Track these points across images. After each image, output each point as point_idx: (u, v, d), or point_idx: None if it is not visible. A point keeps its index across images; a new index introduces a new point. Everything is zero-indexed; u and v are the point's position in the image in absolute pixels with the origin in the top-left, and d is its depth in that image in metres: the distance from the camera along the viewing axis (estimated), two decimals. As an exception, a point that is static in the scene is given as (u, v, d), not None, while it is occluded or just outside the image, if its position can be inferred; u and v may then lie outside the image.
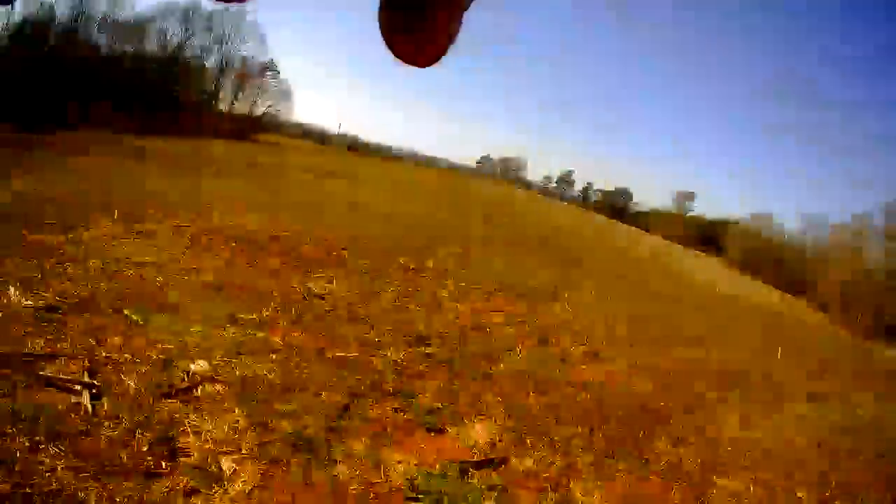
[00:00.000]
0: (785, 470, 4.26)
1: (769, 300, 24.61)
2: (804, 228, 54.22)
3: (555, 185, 66.13)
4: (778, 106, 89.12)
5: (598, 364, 5.49)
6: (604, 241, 22.64)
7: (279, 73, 33.94)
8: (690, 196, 59.99)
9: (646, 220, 58.38)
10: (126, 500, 2.11)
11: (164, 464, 2.37)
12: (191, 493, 2.26)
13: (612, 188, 65.29)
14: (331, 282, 5.77)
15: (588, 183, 66.23)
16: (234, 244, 6.32)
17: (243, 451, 2.60)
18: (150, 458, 2.37)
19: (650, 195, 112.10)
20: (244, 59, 30.84)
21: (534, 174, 67.80)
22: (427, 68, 0.39)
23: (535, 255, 10.99)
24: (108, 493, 2.11)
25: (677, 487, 3.33)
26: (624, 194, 64.26)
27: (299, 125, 46.49)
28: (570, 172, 67.06)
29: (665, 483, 3.38)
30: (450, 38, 0.39)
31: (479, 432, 3.35)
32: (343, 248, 7.47)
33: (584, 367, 5.30)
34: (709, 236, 56.34)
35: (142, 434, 2.50)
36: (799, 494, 3.90)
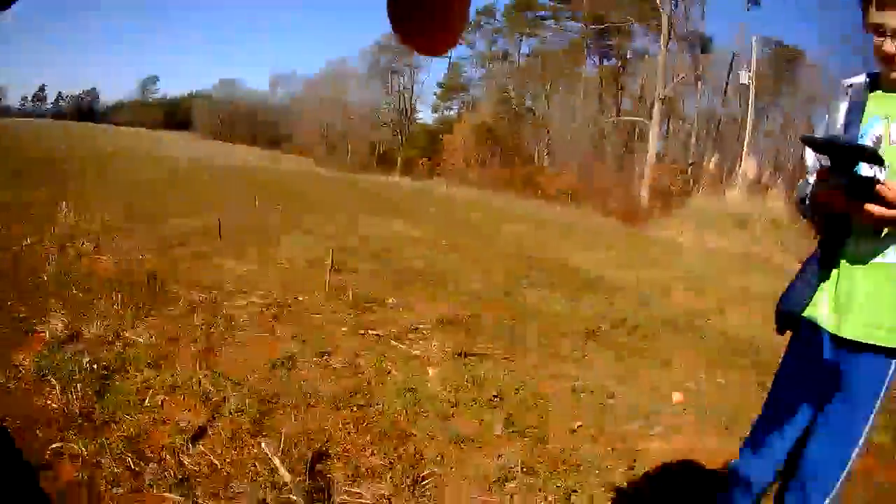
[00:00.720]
0: (294, 281, 6.27)
1: (245, 160, 29.33)
2: (274, 85, 59.19)
3: (31, 104, 58.47)
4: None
5: (107, 250, 6.81)
6: (75, 147, 23.00)
7: None
8: (153, 80, 60.38)
9: (113, 115, 57.04)
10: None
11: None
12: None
13: (78, 91, 60.51)
14: None
15: (59, 92, 60.26)
16: None
17: None
18: None
19: (121, 88, 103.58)
20: None
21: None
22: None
23: (27, 183, 11.34)
24: None
25: (199, 312, 4.98)
26: (90, 94, 59.92)
27: None
28: (43, 87, 59.30)
29: (191, 310, 5.01)
30: (461, 26, 0.48)
31: (56, 322, 4.43)
32: None
33: (97, 257, 6.55)
34: (176, 114, 58.50)
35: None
36: (301, 298, 5.81)
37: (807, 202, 2.12)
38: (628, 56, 47.30)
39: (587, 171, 35.23)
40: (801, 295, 2.13)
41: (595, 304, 7.19)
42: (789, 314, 2.16)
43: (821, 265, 2.09)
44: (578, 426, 3.81)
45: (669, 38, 35.47)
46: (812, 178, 2.14)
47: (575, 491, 2.99)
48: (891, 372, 2.00)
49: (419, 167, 44.48)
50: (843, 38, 34.70)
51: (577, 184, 33.77)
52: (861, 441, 2.03)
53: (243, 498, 2.52)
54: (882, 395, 2.01)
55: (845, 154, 1.82)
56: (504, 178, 36.15)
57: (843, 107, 2.14)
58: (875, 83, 2.11)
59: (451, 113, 56.21)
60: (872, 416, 2.03)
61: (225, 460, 2.78)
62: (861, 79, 2.14)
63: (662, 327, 6.69)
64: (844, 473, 2.04)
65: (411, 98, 56.60)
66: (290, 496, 2.54)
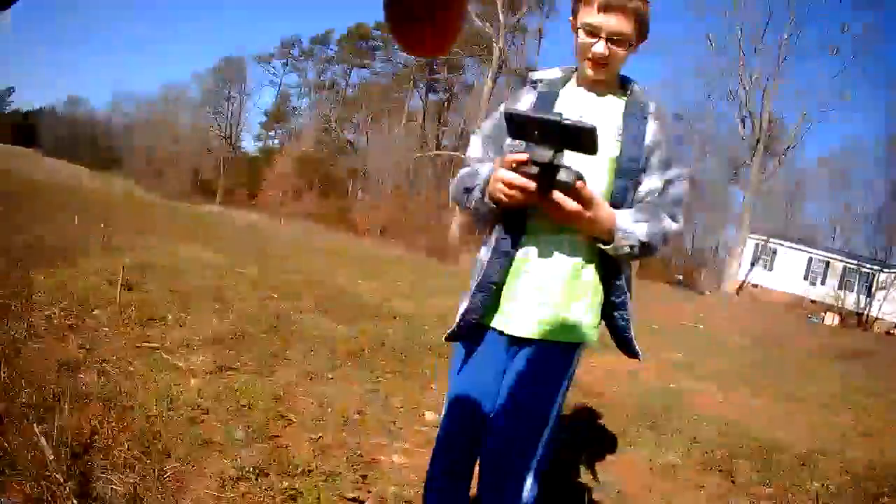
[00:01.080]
0: (93, 296, 6.79)
1: (79, 180, 32.32)
2: (113, 106, 59.10)
3: None
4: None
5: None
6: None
7: None
8: (8, 91, 58.62)
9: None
10: None
11: None
12: None
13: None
14: None
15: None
16: None
17: None
18: None
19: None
20: None
21: None
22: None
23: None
24: None
25: (9, 319, 5.50)
26: (-51, 108, 56.73)
27: None
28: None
29: (2, 317, 5.51)
30: (458, 29, 0.47)
31: None
32: None
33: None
34: (28, 130, 58.19)
35: None
36: (95, 312, 6.43)
37: (477, 193, 2.04)
38: (455, 90, 48.43)
39: (401, 206, 36.11)
40: (475, 300, 2.07)
41: (367, 330, 7.85)
42: (467, 322, 2.10)
43: (491, 264, 2.02)
44: (319, 437, 4.46)
45: (499, 71, 36.49)
46: (483, 168, 2.07)
47: (301, 493, 3.63)
48: (572, 365, 2.05)
49: (238, 197, 44.75)
50: (696, 71, 38.70)
51: (389, 218, 34.55)
52: (546, 433, 2.02)
53: (22, 474, 3.19)
54: (563, 387, 2.05)
55: (564, 136, 1.61)
56: (319, 210, 36.51)
57: (529, 99, 2.11)
58: (568, 79, 2.14)
59: (275, 143, 56.21)
60: (555, 408, 2.05)
61: (13, 445, 3.44)
62: (554, 73, 2.15)
63: (429, 352, 7.35)
64: (533, 470, 2.01)
65: (238, 126, 56.59)
66: (55, 474, 3.23)
